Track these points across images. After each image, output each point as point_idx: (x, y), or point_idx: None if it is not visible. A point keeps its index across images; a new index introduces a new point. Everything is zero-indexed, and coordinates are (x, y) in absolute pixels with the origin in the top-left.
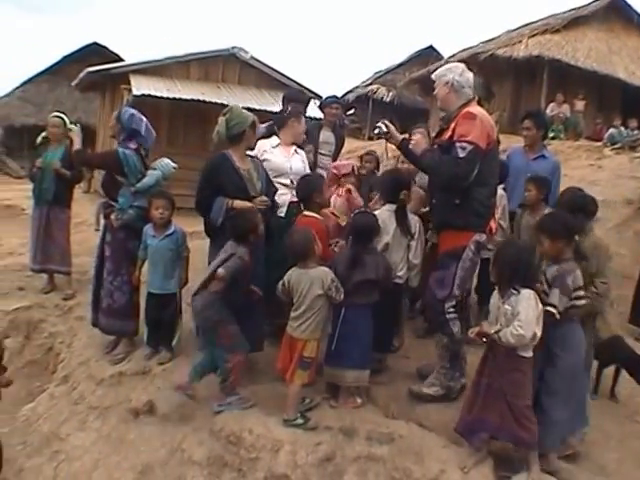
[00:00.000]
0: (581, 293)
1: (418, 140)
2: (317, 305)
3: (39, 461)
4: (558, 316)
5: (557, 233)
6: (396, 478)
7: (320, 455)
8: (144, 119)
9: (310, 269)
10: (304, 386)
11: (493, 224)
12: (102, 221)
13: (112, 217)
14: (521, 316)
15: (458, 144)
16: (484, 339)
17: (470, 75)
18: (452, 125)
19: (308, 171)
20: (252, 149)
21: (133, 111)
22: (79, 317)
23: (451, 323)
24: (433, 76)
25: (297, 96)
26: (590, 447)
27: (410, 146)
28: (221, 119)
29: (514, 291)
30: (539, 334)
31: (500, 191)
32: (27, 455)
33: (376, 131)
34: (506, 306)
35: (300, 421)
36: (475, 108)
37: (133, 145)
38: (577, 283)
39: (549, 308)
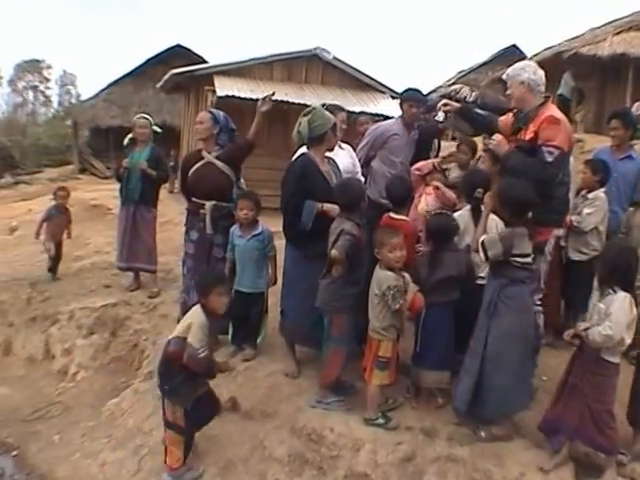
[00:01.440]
0: None
1: (500, 140)
2: (378, 305)
3: (123, 454)
4: None
5: None
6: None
7: (400, 455)
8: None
9: (379, 270)
10: (386, 386)
11: (569, 218)
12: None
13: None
14: (612, 317)
15: (545, 148)
16: (575, 340)
17: (542, 73)
18: (532, 126)
19: (358, 167)
20: (331, 150)
21: (221, 112)
22: (164, 315)
23: (537, 316)
24: (505, 76)
25: (414, 96)
26: None
27: (491, 146)
28: (303, 120)
29: (611, 291)
30: (628, 341)
31: (602, 194)
32: (111, 448)
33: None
34: (601, 305)
35: (381, 421)
36: (556, 111)
37: (219, 147)
38: None
39: None
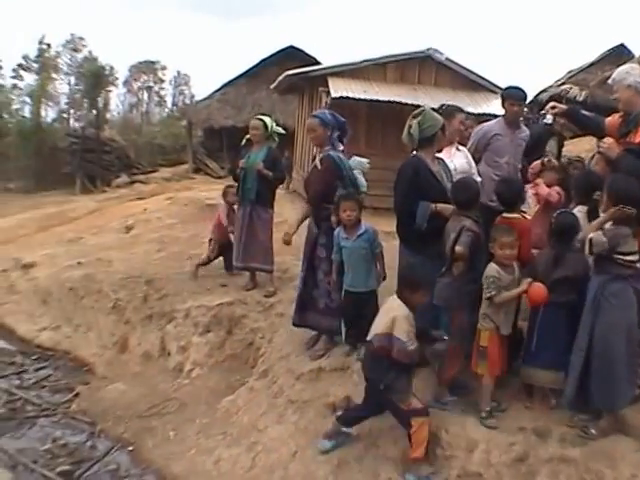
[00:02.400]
0: None
1: (611, 144)
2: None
3: (237, 451)
4: None
5: None
6: None
7: (513, 455)
8: None
9: (491, 264)
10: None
11: None
12: (314, 228)
13: (333, 219)
14: None
15: None
16: None
17: None
18: None
19: (474, 169)
20: (440, 151)
21: (327, 112)
22: (280, 314)
23: None
24: (610, 80)
25: (515, 94)
26: None
27: (602, 149)
28: (413, 122)
29: None
30: None
31: None
32: (226, 445)
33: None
34: None
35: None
36: None
37: (341, 147)
38: None
39: None
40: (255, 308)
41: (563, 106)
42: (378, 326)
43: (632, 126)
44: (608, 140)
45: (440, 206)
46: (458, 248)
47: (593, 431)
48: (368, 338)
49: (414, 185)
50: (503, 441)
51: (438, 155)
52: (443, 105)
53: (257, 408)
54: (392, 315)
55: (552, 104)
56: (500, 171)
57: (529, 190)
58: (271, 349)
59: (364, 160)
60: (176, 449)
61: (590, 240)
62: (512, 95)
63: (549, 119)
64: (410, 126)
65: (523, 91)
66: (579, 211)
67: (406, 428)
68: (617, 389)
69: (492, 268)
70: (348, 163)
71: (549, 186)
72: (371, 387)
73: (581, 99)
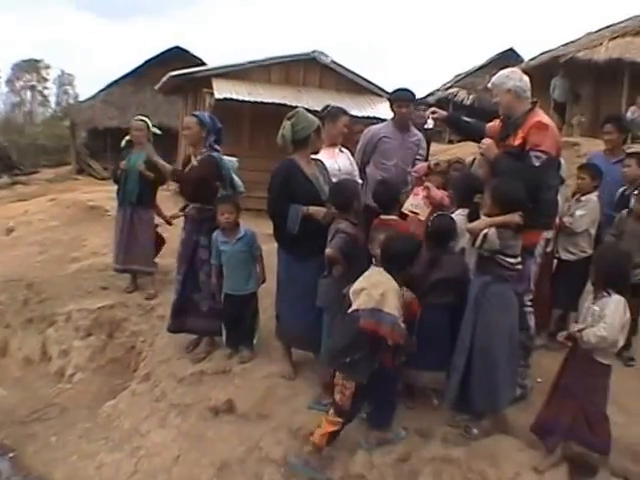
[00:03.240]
0: None
1: (489, 144)
2: None
3: (119, 456)
4: None
5: None
6: None
7: (396, 456)
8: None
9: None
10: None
11: (559, 220)
12: (192, 230)
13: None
14: (607, 319)
15: (533, 153)
16: (569, 341)
17: (527, 78)
18: (520, 133)
19: (356, 170)
20: (316, 153)
21: (205, 113)
22: (161, 316)
23: (528, 317)
24: (490, 85)
25: (402, 96)
26: None
27: (480, 150)
28: (287, 123)
29: (605, 294)
30: (621, 343)
31: (594, 197)
32: (108, 450)
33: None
34: (595, 307)
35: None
36: (544, 117)
37: (218, 147)
38: None
39: None
40: (136, 311)
41: (443, 112)
42: (364, 301)
43: (512, 130)
44: (487, 141)
45: (312, 209)
46: (328, 251)
47: (475, 431)
48: (349, 311)
49: (285, 188)
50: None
51: (316, 157)
52: (327, 106)
53: (139, 412)
54: (382, 289)
55: (432, 109)
56: (387, 173)
57: (420, 193)
58: (152, 353)
59: (234, 159)
60: (58, 455)
61: (485, 235)
62: (399, 97)
63: (430, 124)
64: (284, 127)
65: (411, 92)
66: (460, 214)
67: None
68: (498, 390)
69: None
70: (228, 165)
71: (437, 189)
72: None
73: (468, 103)
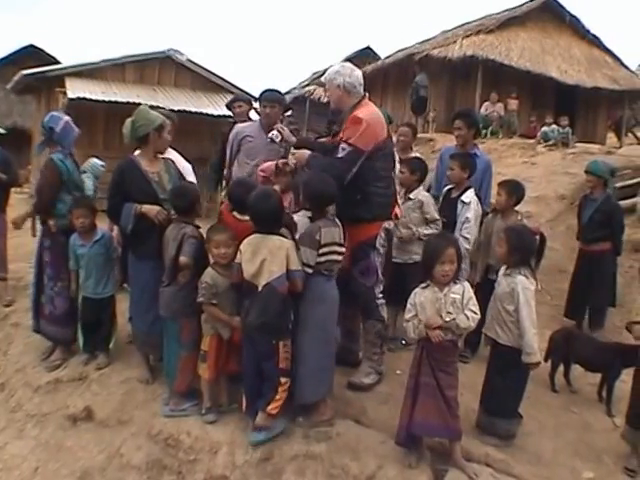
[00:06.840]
0: None
1: (298, 155)
2: None
3: None
4: None
5: None
6: (334, 475)
7: (258, 455)
8: (65, 117)
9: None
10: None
11: (397, 210)
12: (39, 226)
13: (51, 223)
14: (473, 300)
15: (341, 146)
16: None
17: (359, 73)
18: (344, 127)
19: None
20: (162, 152)
21: (55, 113)
22: (15, 324)
23: (381, 308)
24: (323, 79)
25: (267, 96)
26: (526, 437)
27: (292, 163)
28: (127, 121)
29: (457, 281)
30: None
31: (424, 193)
32: None
33: (270, 134)
34: (452, 295)
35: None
36: (363, 110)
37: (60, 148)
38: None
39: None
40: None
41: (292, 138)
42: (273, 272)
43: (338, 126)
44: (296, 152)
45: (145, 207)
46: (182, 259)
47: (300, 419)
48: (263, 284)
49: (120, 187)
50: (246, 441)
51: (166, 156)
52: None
53: None
54: (284, 253)
55: (279, 126)
56: (250, 173)
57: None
58: (7, 361)
59: (99, 162)
60: None
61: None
62: (265, 97)
63: (275, 135)
64: (125, 126)
65: (278, 93)
66: (303, 215)
67: (270, 390)
68: (309, 382)
69: (207, 273)
70: (68, 164)
71: (284, 191)
72: (272, 331)
73: (325, 100)
